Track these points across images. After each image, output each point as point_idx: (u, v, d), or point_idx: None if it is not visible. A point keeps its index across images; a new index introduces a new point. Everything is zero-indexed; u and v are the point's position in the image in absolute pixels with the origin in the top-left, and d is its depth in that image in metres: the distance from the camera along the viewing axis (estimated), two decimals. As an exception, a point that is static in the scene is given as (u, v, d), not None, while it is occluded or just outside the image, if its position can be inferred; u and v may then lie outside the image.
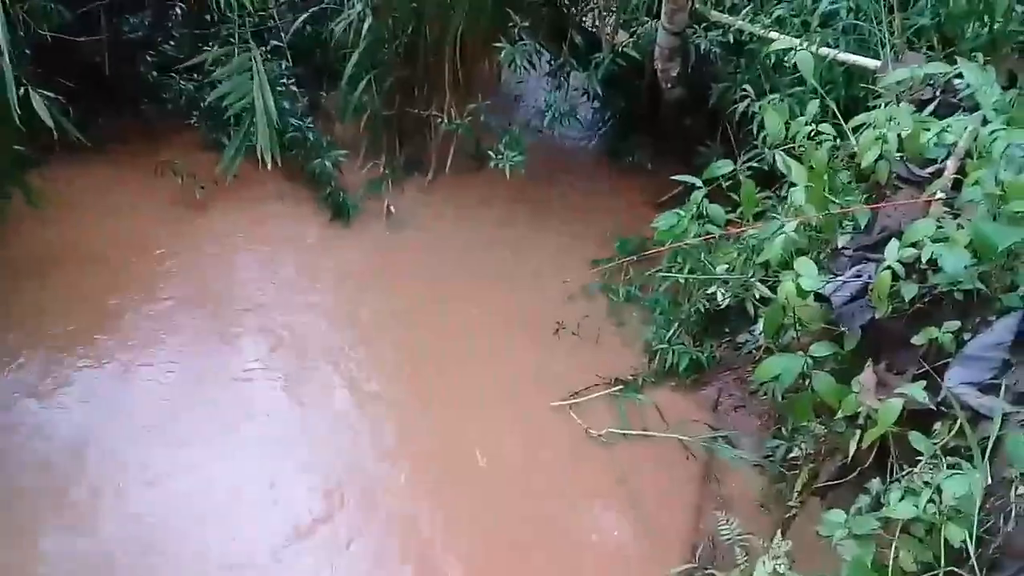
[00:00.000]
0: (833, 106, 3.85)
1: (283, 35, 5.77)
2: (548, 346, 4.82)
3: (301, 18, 5.87)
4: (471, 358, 4.70)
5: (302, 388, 4.44)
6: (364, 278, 5.24)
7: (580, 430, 4.31)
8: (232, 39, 5.22)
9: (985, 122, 2.90)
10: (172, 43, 5.67)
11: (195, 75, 5.55)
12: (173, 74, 5.67)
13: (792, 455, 3.64)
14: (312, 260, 5.32)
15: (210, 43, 5.48)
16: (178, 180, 5.49)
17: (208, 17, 5.46)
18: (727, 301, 3.78)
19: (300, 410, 4.33)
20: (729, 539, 3.50)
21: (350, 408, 4.38)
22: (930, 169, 2.99)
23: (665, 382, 4.62)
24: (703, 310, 4.55)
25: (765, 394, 4.15)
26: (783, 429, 3.94)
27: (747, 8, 4.83)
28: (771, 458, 3.89)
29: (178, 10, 5.63)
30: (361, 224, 5.64)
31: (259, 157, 4.96)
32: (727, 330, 4.68)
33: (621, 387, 4.56)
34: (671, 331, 4.65)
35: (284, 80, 5.57)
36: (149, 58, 5.66)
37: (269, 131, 4.69)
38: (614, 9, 5.30)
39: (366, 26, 5.31)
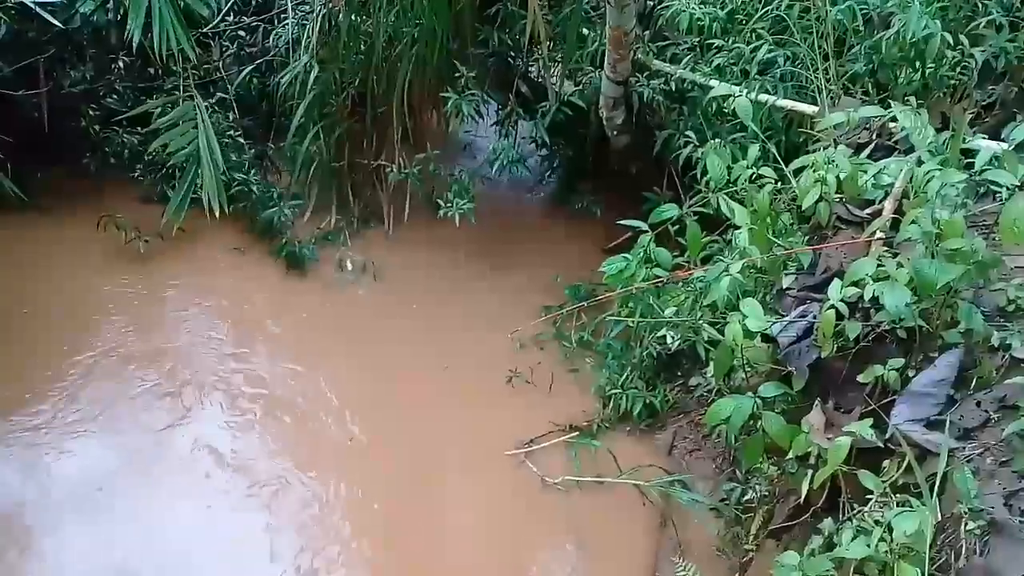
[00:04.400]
0: (774, 150, 3.94)
1: (229, 87, 5.73)
2: (502, 394, 4.78)
3: (247, 70, 5.83)
4: (425, 408, 4.63)
5: (254, 446, 4.33)
6: (319, 330, 5.15)
7: (536, 478, 4.25)
8: (176, 91, 5.18)
9: (920, 163, 2.98)
10: (115, 96, 5.57)
11: (139, 128, 5.46)
12: (116, 127, 5.57)
13: (747, 497, 3.62)
14: (265, 314, 5.21)
15: (154, 95, 5.41)
16: (122, 234, 5.36)
17: (152, 70, 5.42)
18: (677, 344, 3.79)
19: (253, 466, 4.22)
20: (687, 586, 3.47)
21: (303, 453, 4.31)
22: (869, 210, 3.07)
23: (620, 427, 4.59)
24: (655, 354, 4.56)
25: (719, 436, 4.15)
26: (738, 471, 3.94)
27: (688, 57, 4.93)
28: (727, 501, 3.87)
29: (121, 63, 5.55)
30: (316, 276, 5.57)
31: (207, 209, 4.87)
32: (680, 373, 4.70)
33: (576, 433, 4.53)
34: (624, 376, 4.64)
35: (230, 132, 5.52)
36: (91, 111, 5.55)
37: (215, 180, 4.61)
38: (559, 60, 5.37)
39: (312, 78, 5.30)
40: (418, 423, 4.53)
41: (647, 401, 4.53)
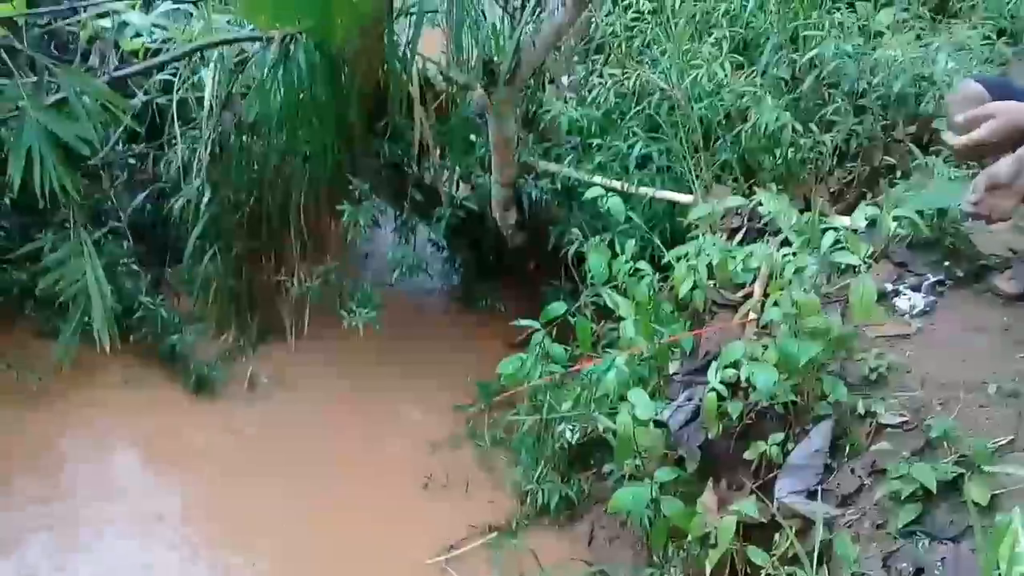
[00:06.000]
0: (657, 240, 4.16)
1: (122, 215, 5.71)
2: (419, 500, 4.73)
3: (140, 197, 5.83)
4: (339, 522, 4.54)
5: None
6: (227, 455, 5.01)
7: (459, 585, 4.20)
8: (67, 224, 5.12)
9: (786, 244, 3.21)
10: (2, 233, 5.48)
11: (28, 264, 5.36)
12: (4, 265, 5.45)
13: (664, 583, 3.65)
14: (168, 446, 5.06)
15: (44, 230, 5.34)
16: (13, 374, 5.19)
17: (40, 205, 5.35)
18: (576, 438, 3.87)
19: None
20: None
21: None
22: (741, 293, 3.27)
23: (539, 522, 4.58)
24: (566, 446, 4.62)
25: (633, 522, 4.20)
26: (655, 557, 3.98)
27: (571, 157, 5.18)
28: (647, 588, 3.89)
29: (7, 200, 5.47)
30: (221, 399, 5.45)
31: (98, 342, 4.78)
32: (593, 462, 4.74)
33: (496, 533, 4.51)
34: (539, 470, 4.66)
35: (125, 260, 5.46)
36: (-23, 251, 5.43)
37: (105, 313, 4.56)
38: (449, 166, 5.56)
39: (205, 200, 5.34)
40: (332, 538, 4.43)
41: (563, 493, 4.54)
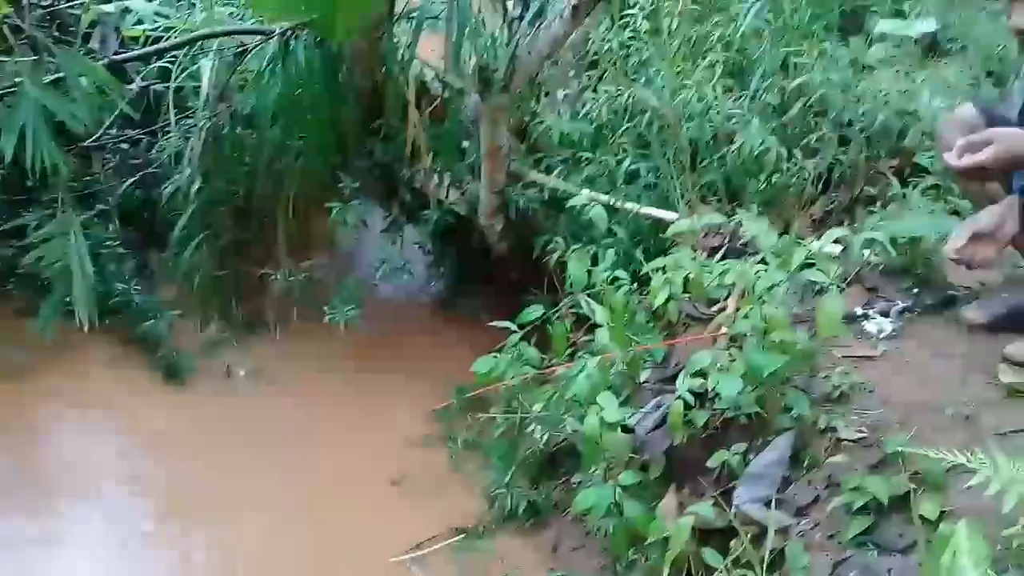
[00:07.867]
0: (640, 256, 4.23)
1: (110, 199, 5.73)
2: (388, 499, 4.74)
3: (129, 181, 5.86)
4: (307, 514, 4.56)
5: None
6: (198, 441, 5.03)
7: (421, 584, 4.22)
8: (55, 204, 5.15)
9: (763, 263, 3.28)
10: (-11, 209, 5.50)
11: (12, 241, 5.38)
12: (-11, 241, 5.47)
13: (624, 590, 3.69)
14: (140, 425, 5.08)
15: (31, 208, 5.36)
16: (-5, 349, 5.21)
17: (29, 183, 5.38)
18: (545, 438, 3.91)
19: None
20: None
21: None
22: (714, 307, 3.33)
23: (506, 527, 4.60)
24: (538, 452, 4.66)
25: (599, 530, 4.24)
26: (618, 566, 4.01)
27: (560, 168, 5.26)
28: (608, 595, 3.92)
29: (-5, 176, 5.50)
30: (198, 386, 5.47)
31: (78, 321, 4.80)
32: (563, 470, 4.79)
33: (462, 535, 4.53)
34: (508, 475, 4.70)
35: (110, 243, 5.48)
36: (-37, 225, 5.45)
37: (87, 293, 4.58)
38: (439, 171, 5.62)
39: (195, 189, 5.37)
40: (299, 529, 4.44)
41: (531, 500, 4.58)
